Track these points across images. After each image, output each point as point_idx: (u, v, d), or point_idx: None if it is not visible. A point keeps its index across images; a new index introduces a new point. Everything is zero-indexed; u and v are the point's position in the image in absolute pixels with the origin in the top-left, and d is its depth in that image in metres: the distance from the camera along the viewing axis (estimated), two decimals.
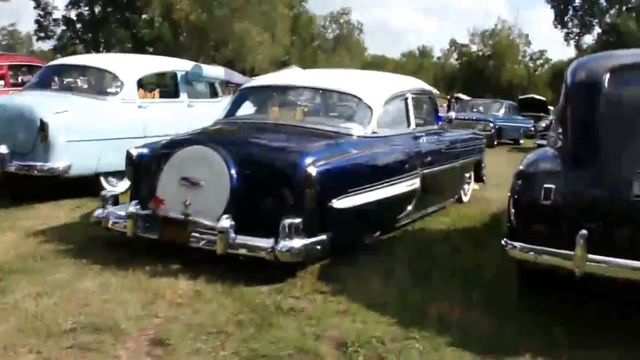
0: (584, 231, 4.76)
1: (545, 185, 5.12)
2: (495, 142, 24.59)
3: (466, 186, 10.40)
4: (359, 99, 7.47)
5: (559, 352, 4.48)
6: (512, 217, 5.34)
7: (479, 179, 10.80)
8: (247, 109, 8.33)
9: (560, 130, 5.82)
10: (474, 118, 25.85)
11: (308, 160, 6.02)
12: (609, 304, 5.46)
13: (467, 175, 10.29)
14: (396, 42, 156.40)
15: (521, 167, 5.54)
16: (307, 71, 12.70)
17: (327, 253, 6.15)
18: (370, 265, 6.35)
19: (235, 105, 8.15)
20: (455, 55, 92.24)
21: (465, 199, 10.41)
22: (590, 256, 4.76)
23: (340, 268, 6.16)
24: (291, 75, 9.71)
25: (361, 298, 5.40)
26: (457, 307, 5.33)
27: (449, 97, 44.60)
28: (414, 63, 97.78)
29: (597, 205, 5.03)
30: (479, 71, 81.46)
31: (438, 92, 15.83)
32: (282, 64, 50.10)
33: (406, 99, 8.17)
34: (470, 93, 52.94)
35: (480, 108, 29.33)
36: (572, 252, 4.79)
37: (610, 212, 4.97)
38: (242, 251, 5.80)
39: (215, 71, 12.71)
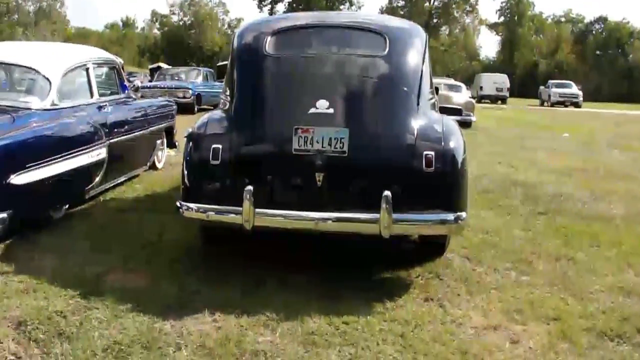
0: (250, 187, 5.04)
1: (214, 146, 5.34)
2: (196, 109, 24.87)
3: (159, 153, 10.49)
4: (36, 70, 7.21)
5: (234, 307, 4.75)
6: (185, 179, 5.51)
7: (171, 145, 10.93)
8: None
9: (228, 92, 6.06)
10: (173, 86, 25.89)
11: None
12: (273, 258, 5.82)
13: (159, 142, 10.36)
14: (99, 14, 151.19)
15: (191, 130, 5.71)
16: None
17: (8, 232, 5.96)
18: (55, 240, 6.26)
19: None
20: (157, 26, 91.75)
21: (159, 165, 10.54)
22: (258, 210, 5.06)
23: (24, 246, 6.02)
24: None
25: (44, 274, 5.30)
26: (138, 274, 5.44)
27: (150, 67, 44.23)
28: (118, 34, 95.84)
29: (261, 162, 5.37)
30: (181, 41, 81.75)
31: (123, 61, 15.64)
32: None
33: (87, 69, 8.01)
34: (174, 62, 52.89)
35: (181, 76, 29.37)
36: (241, 208, 5.04)
37: (274, 167, 5.33)
38: None
39: None
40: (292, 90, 5.65)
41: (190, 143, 5.57)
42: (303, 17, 6.94)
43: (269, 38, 5.90)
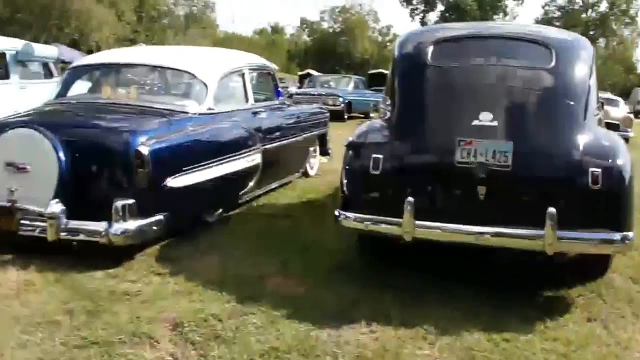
0: (411, 199, 4.93)
1: (374, 156, 5.26)
2: (346, 117, 24.97)
3: (312, 160, 10.47)
4: (193, 75, 7.33)
5: (392, 318, 4.62)
6: (344, 188, 5.45)
7: (324, 152, 10.89)
8: (79, 88, 8.03)
9: (389, 102, 5.94)
10: (324, 93, 26.05)
11: (140, 139, 5.85)
12: (435, 269, 5.64)
13: (312, 149, 10.35)
14: (249, 20, 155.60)
15: (351, 139, 5.63)
16: (143, 48, 12.41)
17: (165, 234, 6.06)
18: (210, 243, 6.31)
19: (66, 85, 7.79)
20: (307, 33, 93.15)
21: (312, 172, 10.49)
22: (418, 222, 4.95)
23: (179, 248, 6.10)
24: (124, 53, 9.40)
25: (200, 277, 5.35)
26: (293, 282, 5.39)
27: (300, 73, 44.99)
28: (267, 41, 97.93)
29: (422, 173, 5.23)
30: (331, 48, 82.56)
31: (277, 68, 15.86)
32: (130, 43, 48.87)
33: (243, 74, 8.11)
34: (323, 69, 53.49)
35: (331, 84, 29.60)
36: (401, 220, 4.94)
37: (435, 180, 5.18)
38: (75, 237, 5.61)
39: (48, 51, 12.22)
40: (455, 102, 5.49)
41: (350, 152, 5.52)
42: (464, 28, 6.79)
43: (431, 48, 5.78)
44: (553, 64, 5.52)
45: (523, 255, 5.37)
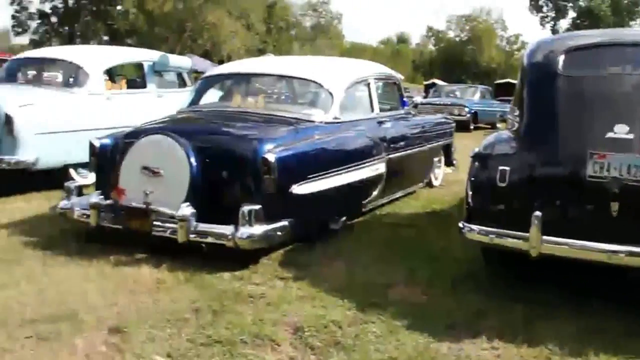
0: (539, 212, 4.80)
1: (501, 167, 5.16)
2: (472, 127, 24.69)
3: (436, 170, 10.41)
4: (320, 84, 7.48)
5: (516, 333, 4.52)
6: (469, 200, 5.39)
7: (449, 163, 10.81)
8: (210, 97, 8.34)
9: (517, 112, 5.83)
10: (449, 103, 25.92)
11: (267, 146, 6.03)
12: (565, 282, 5.51)
13: (437, 159, 10.30)
14: (374, 29, 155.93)
15: (477, 150, 5.57)
16: (270, 58, 12.71)
17: (290, 239, 6.20)
18: (333, 250, 6.40)
19: (198, 93, 8.14)
20: (432, 41, 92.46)
21: (436, 183, 10.42)
22: (545, 237, 4.81)
23: (303, 254, 6.22)
24: (253, 63, 9.67)
25: (322, 283, 5.44)
26: (417, 290, 5.39)
27: (425, 83, 44.80)
28: (392, 50, 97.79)
29: (550, 187, 5.08)
30: (456, 57, 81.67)
31: (403, 77, 15.85)
32: (259, 53, 49.97)
33: (369, 84, 8.19)
34: (449, 79, 53.04)
35: (457, 93, 29.36)
36: (527, 234, 4.84)
37: (564, 193, 5.01)
38: (203, 239, 5.82)
39: (182, 61, 12.68)
40: (587, 113, 5.24)
41: (476, 163, 5.45)
42: (598, 35, 6.55)
43: (562, 57, 5.57)
44: None
45: None
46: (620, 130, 4.91)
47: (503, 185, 5.13)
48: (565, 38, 7.52)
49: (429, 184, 10.17)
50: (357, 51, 78.64)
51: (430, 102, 26.97)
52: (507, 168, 5.15)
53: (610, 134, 4.92)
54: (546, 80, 5.62)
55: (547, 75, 5.62)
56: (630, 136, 4.87)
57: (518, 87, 5.98)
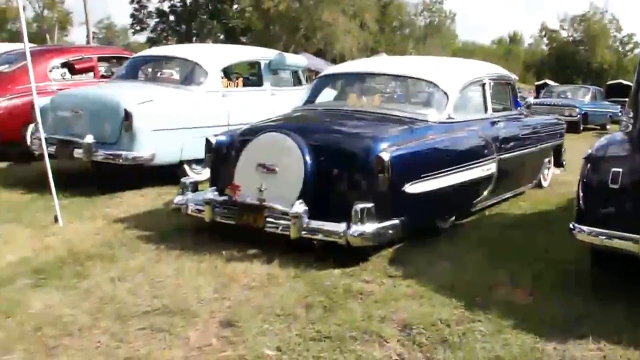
0: None
1: (614, 169, 5.07)
2: (582, 128, 24.19)
3: (546, 171, 10.23)
4: (435, 85, 7.47)
5: (622, 335, 4.45)
6: (580, 201, 5.30)
7: (559, 164, 10.60)
8: (325, 96, 8.44)
9: (631, 114, 5.71)
10: (559, 104, 25.59)
11: (381, 145, 6.09)
12: None
13: (547, 160, 10.11)
14: (486, 29, 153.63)
15: (590, 151, 5.48)
16: (385, 58, 12.74)
17: (400, 237, 6.23)
18: (442, 249, 6.41)
19: (314, 92, 8.28)
20: (545, 41, 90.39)
21: (545, 183, 10.25)
22: None
23: (412, 252, 6.24)
24: (368, 63, 9.75)
25: (430, 281, 5.45)
26: (524, 291, 5.36)
27: (536, 83, 43.93)
28: (504, 49, 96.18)
29: None
30: (568, 57, 79.61)
31: (517, 78, 15.59)
32: (371, 52, 50.03)
33: (483, 84, 8.12)
34: (560, 79, 51.76)
35: (568, 94, 28.78)
36: (638, 236, 4.74)
37: None
38: (315, 236, 5.91)
39: (298, 60, 12.83)
40: None
41: (588, 165, 5.36)
42: None
43: None
44: None
45: None
46: None
47: (615, 187, 5.03)
48: None
49: (538, 185, 10.00)
50: (468, 51, 77.72)
51: (541, 102, 26.52)
52: (620, 170, 5.05)
53: None
54: None
55: None
56: None
57: (634, 88, 5.86)
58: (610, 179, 5.06)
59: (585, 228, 5.14)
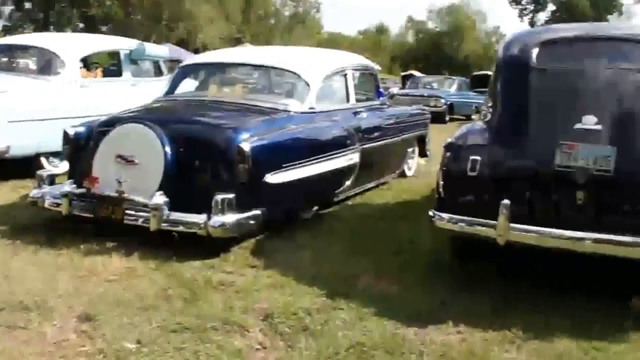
0: (507, 201, 4.88)
1: (472, 157, 5.23)
2: (448, 118, 24.79)
3: (410, 161, 10.48)
4: (297, 75, 7.51)
5: (481, 319, 4.61)
6: (440, 189, 5.44)
7: (423, 154, 10.87)
8: (186, 86, 8.33)
9: (490, 103, 5.91)
10: (425, 95, 25.93)
11: (241, 136, 6.07)
12: (531, 272, 5.65)
13: (410, 150, 10.36)
14: (353, 19, 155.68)
15: (450, 140, 5.63)
16: (248, 48, 12.70)
17: (262, 228, 6.23)
18: (304, 239, 6.44)
19: (175, 83, 8.14)
20: (412, 33, 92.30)
21: (409, 173, 10.49)
22: (513, 225, 4.89)
23: (274, 243, 6.26)
24: (230, 53, 9.69)
25: (293, 271, 5.48)
26: (386, 279, 5.44)
27: (402, 74, 44.78)
28: (371, 40, 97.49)
29: (520, 176, 5.17)
30: (435, 48, 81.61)
31: (380, 68, 15.89)
32: (236, 42, 49.71)
33: (345, 74, 8.23)
34: (428, 70, 53.00)
35: (434, 85, 29.41)
36: (495, 222, 4.91)
37: (533, 182, 5.10)
38: (176, 227, 5.83)
39: (159, 50, 12.64)
40: (558, 105, 5.35)
41: (448, 153, 5.50)
42: (571, 29, 6.62)
43: (535, 50, 5.66)
44: None
45: (623, 263, 5.16)
46: (589, 122, 5.02)
47: (474, 174, 5.19)
48: (541, 31, 7.60)
49: (403, 175, 10.22)
50: (335, 41, 78.33)
51: (406, 93, 26.95)
52: (478, 158, 5.22)
53: (578, 125, 5.03)
54: (519, 73, 5.70)
55: (520, 68, 5.70)
56: (599, 127, 4.99)
57: (493, 78, 6.08)
58: (469, 167, 5.21)
59: (445, 215, 5.27)
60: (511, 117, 5.56)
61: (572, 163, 4.90)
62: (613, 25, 6.94)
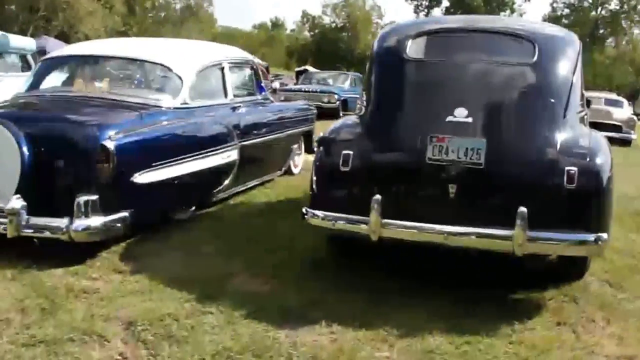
0: (379, 196, 4.79)
1: (344, 152, 5.13)
2: (341, 114, 24.76)
3: (296, 158, 10.27)
4: (168, 68, 7.16)
5: (354, 318, 4.53)
6: (313, 185, 5.32)
7: (310, 150, 10.63)
8: (52, 80, 7.85)
9: (364, 97, 5.81)
10: (318, 90, 25.75)
11: (106, 133, 5.71)
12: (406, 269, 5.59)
13: (296, 146, 10.12)
14: (248, 13, 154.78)
15: (322, 134, 5.52)
16: (118, 40, 12.19)
17: (131, 231, 5.93)
18: (178, 241, 6.20)
19: (38, 77, 7.61)
20: (308, 27, 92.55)
21: (295, 170, 10.28)
22: (386, 221, 4.82)
23: (145, 246, 6.00)
24: (99, 45, 9.19)
25: (161, 276, 5.23)
26: (259, 280, 5.30)
27: (296, 69, 44.87)
28: (266, 35, 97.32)
29: (392, 170, 5.11)
30: (331, 43, 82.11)
31: (262, 62, 15.69)
32: (122, 35, 48.57)
33: (222, 68, 7.96)
34: (324, 66, 53.17)
35: (328, 80, 29.25)
36: (367, 218, 4.81)
37: (405, 177, 5.06)
38: (37, 233, 5.47)
39: (25, 42, 12.02)
40: (430, 97, 5.35)
41: (321, 148, 5.40)
42: (449, 21, 6.64)
43: (410, 41, 5.62)
44: (535, 59, 5.37)
45: (498, 257, 5.18)
46: (460, 114, 5.00)
47: (346, 169, 5.10)
48: (416, 23, 7.58)
49: (289, 172, 10.02)
50: (229, 36, 77.65)
51: (300, 89, 26.71)
52: (350, 152, 5.12)
53: (450, 118, 5.00)
54: (392, 65, 5.67)
55: (394, 60, 5.68)
56: (469, 120, 4.98)
57: (367, 71, 5.98)
58: (342, 161, 5.11)
59: (319, 213, 5.15)
60: (383, 110, 5.49)
61: (444, 156, 4.87)
62: (490, 19, 6.97)
